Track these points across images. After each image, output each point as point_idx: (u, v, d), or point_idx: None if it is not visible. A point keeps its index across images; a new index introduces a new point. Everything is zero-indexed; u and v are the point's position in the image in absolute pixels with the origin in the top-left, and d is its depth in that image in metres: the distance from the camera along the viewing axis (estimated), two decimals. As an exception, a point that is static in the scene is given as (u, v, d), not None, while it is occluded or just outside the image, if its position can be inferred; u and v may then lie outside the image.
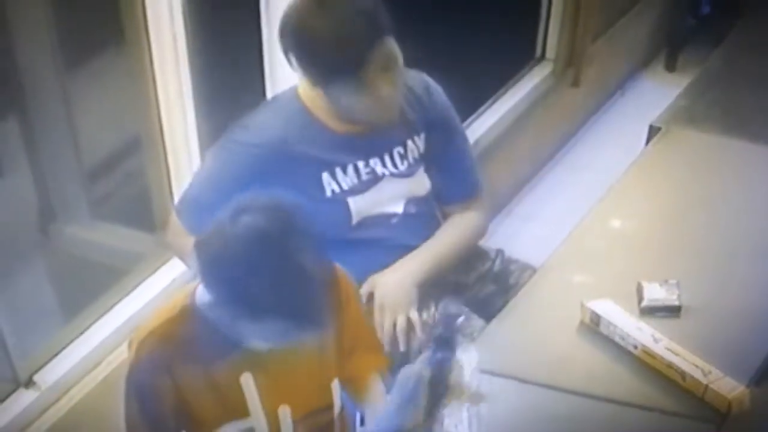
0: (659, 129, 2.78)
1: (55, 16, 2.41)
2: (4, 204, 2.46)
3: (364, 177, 2.14)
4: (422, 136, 2.21)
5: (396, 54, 2.02)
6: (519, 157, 3.82)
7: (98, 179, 2.72)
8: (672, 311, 2.05)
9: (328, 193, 2.11)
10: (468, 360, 1.79)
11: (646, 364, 1.93)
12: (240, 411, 1.70)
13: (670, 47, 4.61)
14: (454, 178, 2.29)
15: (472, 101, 3.56)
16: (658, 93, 3.99)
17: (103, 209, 2.77)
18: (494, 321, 2.11)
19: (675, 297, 2.07)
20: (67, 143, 2.56)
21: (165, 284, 2.57)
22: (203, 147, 2.48)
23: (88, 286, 2.56)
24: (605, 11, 4.05)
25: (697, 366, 1.86)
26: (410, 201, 2.20)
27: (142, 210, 2.68)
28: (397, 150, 2.17)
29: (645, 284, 2.10)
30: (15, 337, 2.31)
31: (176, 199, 2.53)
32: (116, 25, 2.40)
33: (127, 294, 2.55)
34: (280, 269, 1.48)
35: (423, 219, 2.24)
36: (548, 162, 4.03)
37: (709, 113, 2.86)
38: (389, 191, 2.17)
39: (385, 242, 2.19)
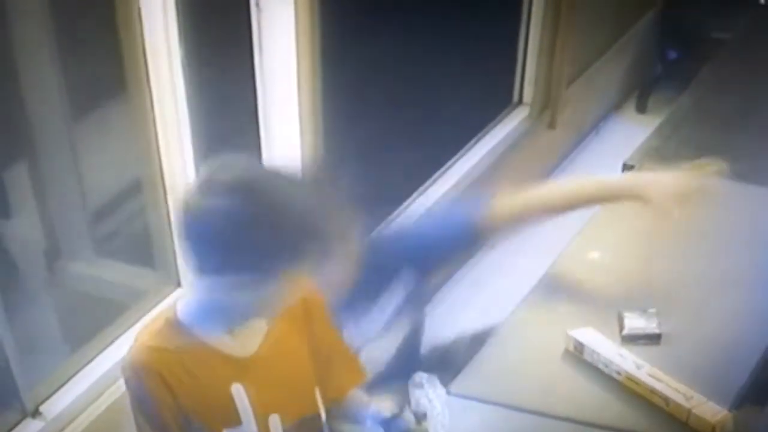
0: (632, 167, 2.76)
1: (62, 68, 2.43)
2: (14, 243, 2.45)
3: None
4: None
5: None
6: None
7: (102, 219, 2.72)
8: (652, 339, 2.03)
9: None
10: (437, 397, 1.79)
11: (629, 390, 1.89)
12: (233, 420, 1.66)
13: (640, 90, 4.64)
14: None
15: (454, 143, 3.57)
16: (630, 133, 3.99)
17: (106, 247, 2.76)
18: (481, 350, 2.08)
19: (654, 325, 2.04)
20: (72, 186, 2.57)
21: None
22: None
23: (91, 320, 2.55)
24: (578, 57, 4.07)
25: (679, 391, 1.83)
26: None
27: (143, 248, 2.68)
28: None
29: (625, 313, 2.08)
30: (22, 369, 2.28)
31: (176, 237, 2.52)
32: (119, 75, 2.42)
33: (129, 328, 2.53)
34: (259, 239, 1.44)
35: None
36: (527, 199, 4.00)
37: (679, 151, 2.85)
38: None
39: None
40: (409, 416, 1.84)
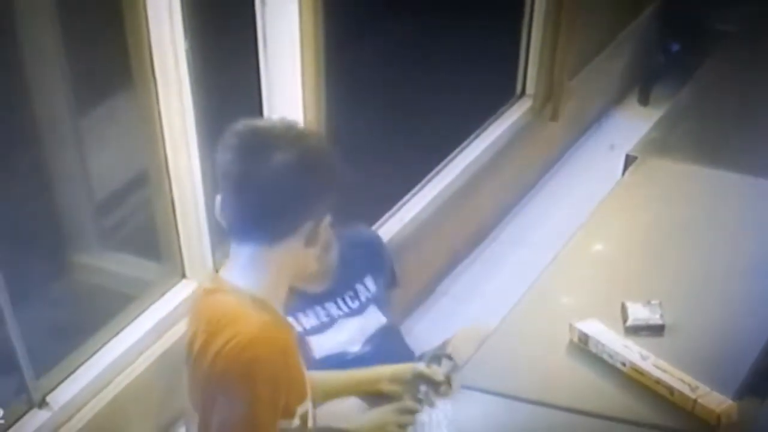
0: (635, 158, 2.75)
1: (68, 61, 2.43)
2: (20, 234, 2.45)
3: (323, 319, 2.30)
4: (369, 277, 2.40)
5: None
6: (502, 187, 3.80)
7: (108, 211, 2.72)
8: (655, 330, 2.02)
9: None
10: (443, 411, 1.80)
11: (634, 381, 1.89)
12: (304, 394, 1.62)
13: (642, 83, 4.62)
14: None
15: (457, 135, 3.56)
16: (632, 125, 3.97)
17: (112, 239, 2.76)
18: (486, 342, 2.07)
19: (658, 316, 2.03)
20: (79, 178, 2.56)
21: (170, 309, 2.55)
22: (206, 180, 2.47)
23: (97, 311, 2.55)
24: (581, 50, 4.05)
25: (684, 381, 1.82)
26: (367, 341, 2.32)
27: (148, 239, 2.68)
28: (348, 294, 2.36)
29: (629, 304, 2.07)
30: (29, 360, 2.27)
31: (181, 227, 2.51)
32: (125, 68, 2.41)
33: (135, 318, 2.52)
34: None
35: (380, 356, 2.26)
36: (530, 191, 4.01)
37: (681, 143, 2.84)
38: (345, 331, 2.31)
39: None
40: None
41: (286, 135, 1.50)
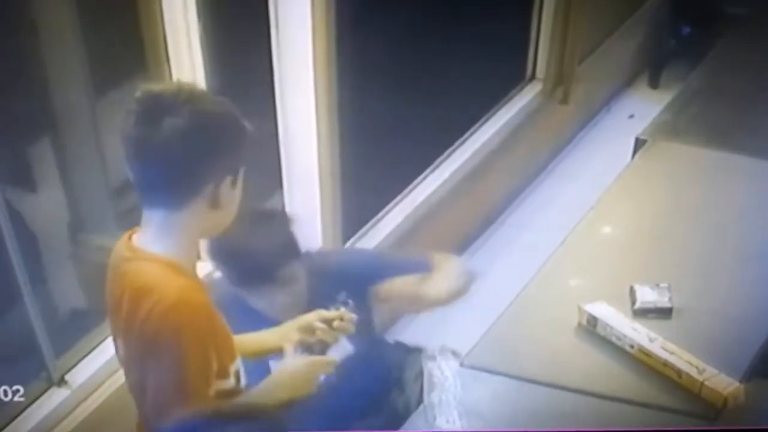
0: (645, 141, 2.74)
1: (84, 47, 2.43)
2: (39, 216, 2.46)
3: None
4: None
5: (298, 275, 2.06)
6: (512, 170, 3.79)
7: (123, 194, 2.72)
8: (663, 313, 2.01)
9: None
10: (449, 368, 1.78)
11: (642, 363, 1.89)
12: (233, 353, 1.63)
13: (653, 66, 4.59)
14: None
15: (469, 118, 3.55)
16: (642, 109, 3.95)
17: (128, 221, 2.75)
18: (495, 324, 2.07)
19: (666, 299, 2.03)
20: (95, 161, 2.57)
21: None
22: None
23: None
24: (591, 34, 4.02)
25: (691, 364, 1.83)
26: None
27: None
28: None
29: (637, 287, 2.06)
30: (48, 339, 2.29)
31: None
32: (139, 53, 2.42)
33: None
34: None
35: (349, 386, 2.10)
36: (540, 174, 3.99)
37: (691, 126, 2.83)
38: None
39: None
40: None
41: (176, 98, 1.47)
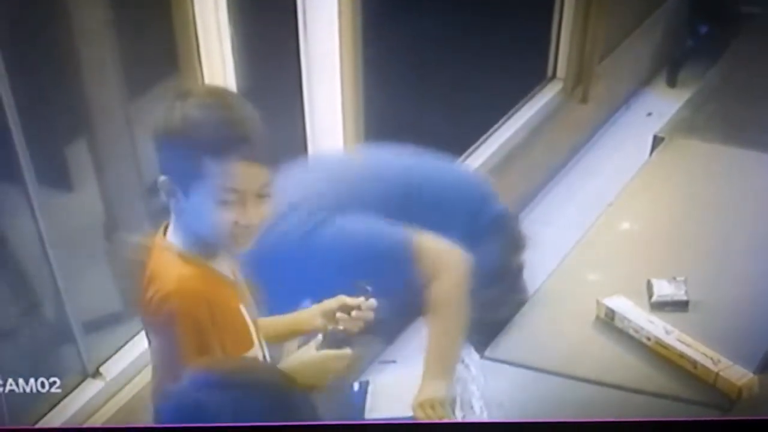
0: (663, 139, 2.73)
1: (118, 49, 2.45)
2: (76, 214, 2.49)
3: None
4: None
5: None
6: (533, 167, 3.78)
7: (156, 193, 2.73)
8: (680, 306, 2.02)
9: None
10: (472, 362, 1.79)
11: (659, 355, 1.89)
12: (248, 342, 1.64)
13: (671, 65, 4.57)
14: None
15: (490, 116, 3.55)
16: (660, 107, 3.94)
17: (160, 219, 2.78)
18: (516, 317, 2.08)
19: (683, 292, 2.03)
20: (129, 161, 2.58)
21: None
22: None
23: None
24: (610, 34, 4.01)
25: (707, 355, 1.83)
26: None
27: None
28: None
29: (654, 281, 2.07)
30: (84, 333, 2.33)
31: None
32: (172, 55, 2.43)
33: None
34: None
35: None
36: (560, 171, 3.99)
37: (709, 123, 2.82)
38: None
39: None
40: None
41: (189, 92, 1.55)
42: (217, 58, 2.57)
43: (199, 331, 1.53)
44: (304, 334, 1.85)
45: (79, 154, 2.48)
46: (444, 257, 1.91)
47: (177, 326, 1.52)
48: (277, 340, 1.82)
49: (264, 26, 2.63)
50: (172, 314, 1.52)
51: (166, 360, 1.59)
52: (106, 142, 2.53)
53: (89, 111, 2.47)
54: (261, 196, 1.55)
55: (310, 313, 1.86)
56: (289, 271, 1.99)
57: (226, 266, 1.65)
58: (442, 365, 1.85)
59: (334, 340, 1.78)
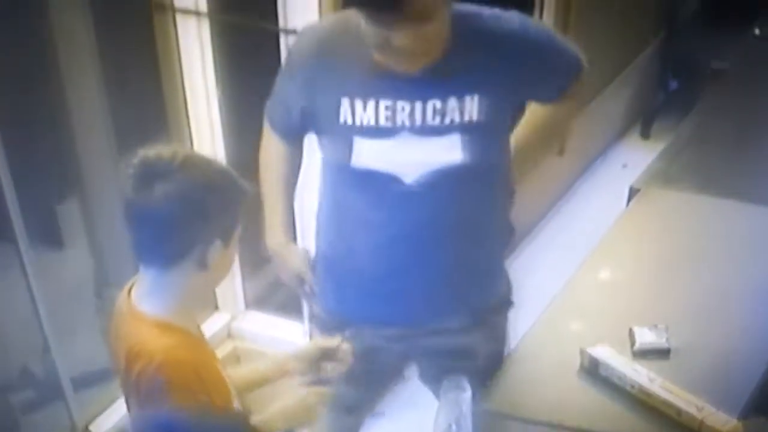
0: (639, 190, 2.74)
1: (110, 110, 2.47)
2: (67, 272, 2.47)
3: (382, 121, 1.68)
4: (476, 99, 1.68)
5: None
6: (514, 218, 3.78)
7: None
8: (662, 353, 2.00)
9: (341, 121, 1.72)
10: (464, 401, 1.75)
11: (643, 403, 1.86)
12: (231, 397, 1.64)
13: (644, 118, 4.63)
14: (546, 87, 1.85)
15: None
16: (635, 158, 3.96)
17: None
18: (500, 367, 2.06)
19: (664, 340, 2.01)
20: (119, 220, 2.57)
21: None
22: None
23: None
24: (585, 88, 4.05)
25: (690, 402, 1.80)
26: (428, 174, 1.72)
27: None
28: (433, 102, 1.67)
29: (636, 329, 2.05)
30: (73, 390, 2.29)
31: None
32: (162, 115, 2.45)
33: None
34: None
35: (440, 202, 1.76)
36: (540, 222, 4.00)
37: (683, 174, 2.83)
38: (402, 151, 1.70)
39: (384, 216, 1.79)
40: None
41: (170, 164, 1.49)
42: (205, 119, 2.59)
43: (192, 397, 1.52)
44: (277, 380, 1.82)
45: (70, 213, 2.47)
46: None
47: (170, 397, 1.50)
48: (247, 389, 1.80)
49: (251, 89, 2.64)
50: (165, 386, 1.50)
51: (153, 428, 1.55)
52: (97, 202, 2.52)
53: (81, 171, 2.46)
54: None
55: (283, 359, 1.84)
56: None
57: (194, 326, 1.66)
58: None
59: (314, 383, 1.76)
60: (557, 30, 3.67)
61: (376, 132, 1.71)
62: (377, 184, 1.76)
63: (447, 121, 1.70)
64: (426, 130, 1.70)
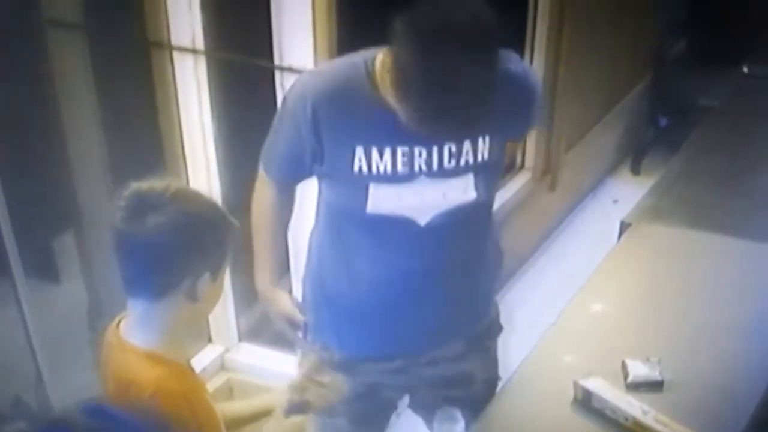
0: (629, 224, 2.76)
1: (107, 146, 2.47)
2: (61, 305, 2.46)
3: (399, 167, 1.69)
4: (487, 140, 1.72)
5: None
6: (506, 252, 3.79)
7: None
8: (655, 386, 1.99)
9: (355, 169, 1.70)
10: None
11: (636, 435, 1.86)
12: (219, 427, 1.64)
13: (634, 154, 4.66)
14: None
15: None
16: (625, 194, 3.99)
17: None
18: (494, 401, 2.05)
19: (657, 373, 2.01)
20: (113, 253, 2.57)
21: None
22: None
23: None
24: (576, 125, 4.09)
25: (684, 435, 1.80)
26: (441, 214, 1.74)
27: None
28: (449, 146, 1.69)
29: (629, 362, 2.05)
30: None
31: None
32: (158, 152, 2.45)
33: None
34: None
35: (450, 239, 1.79)
36: (532, 256, 4.00)
37: (674, 209, 2.85)
38: (418, 194, 1.72)
39: (394, 254, 1.80)
40: None
41: (162, 196, 1.49)
42: (201, 154, 2.59)
43: (184, 424, 1.51)
44: (268, 414, 1.80)
45: (65, 248, 2.47)
46: None
47: (163, 427, 1.49)
48: (236, 425, 1.79)
49: (246, 124, 2.65)
50: (157, 418, 1.48)
51: None
52: (92, 237, 2.52)
53: (77, 206, 2.46)
54: None
55: (275, 393, 1.84)
56: None
57: (183, 358, 1.65)
58: None
59: (293, 407, 1.73)
60: (549, 70, 3.75)
61: (392, 178, 1.71)
62: (390, 227, 1.77)
63: (462, 162, 1.73)
64: (442, 173, 1.73)
